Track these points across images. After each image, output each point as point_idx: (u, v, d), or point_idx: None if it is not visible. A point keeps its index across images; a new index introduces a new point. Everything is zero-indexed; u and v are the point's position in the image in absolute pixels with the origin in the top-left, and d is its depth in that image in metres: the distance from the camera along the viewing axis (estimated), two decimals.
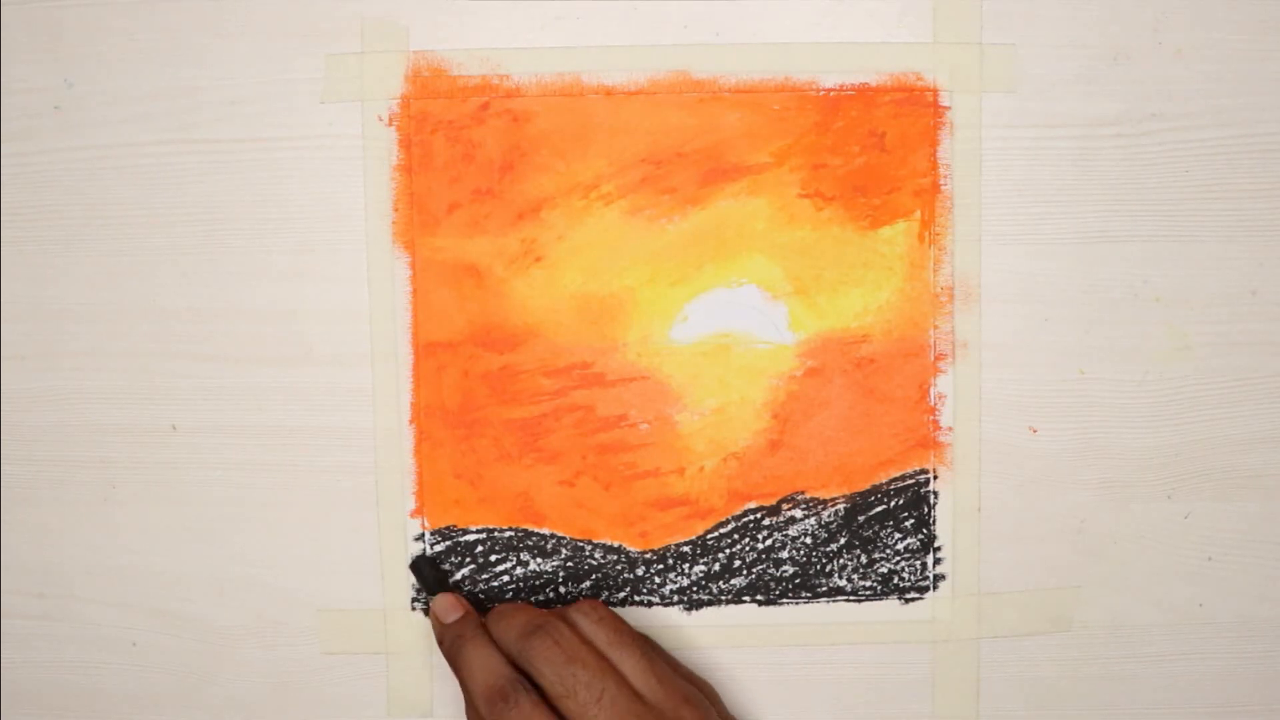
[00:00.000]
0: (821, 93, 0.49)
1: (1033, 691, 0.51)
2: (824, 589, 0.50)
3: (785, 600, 0.51)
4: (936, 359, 0.50)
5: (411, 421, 0.50)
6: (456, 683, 0.50)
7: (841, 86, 0.49)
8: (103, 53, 0.49)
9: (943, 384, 0.50)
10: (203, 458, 0.50)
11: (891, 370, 0.50)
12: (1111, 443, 0.50)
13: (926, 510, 0.50)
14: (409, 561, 0.50)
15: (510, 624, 0.46)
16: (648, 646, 0.47)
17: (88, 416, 0.50)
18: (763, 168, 0.49)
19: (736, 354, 0.50)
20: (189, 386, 0.50)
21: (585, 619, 0.46)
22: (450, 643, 0.47)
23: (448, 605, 0.48)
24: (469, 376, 0.50)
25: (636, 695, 0.45)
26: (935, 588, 0.50)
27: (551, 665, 0.45)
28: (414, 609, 0.50)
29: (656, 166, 0.49)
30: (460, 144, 0.49)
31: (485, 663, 0.46)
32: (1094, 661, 0.51)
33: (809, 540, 0.50)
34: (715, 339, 0.50)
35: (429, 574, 0.49)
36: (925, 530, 0.50)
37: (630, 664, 0.45)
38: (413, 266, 0.49)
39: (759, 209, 0.49)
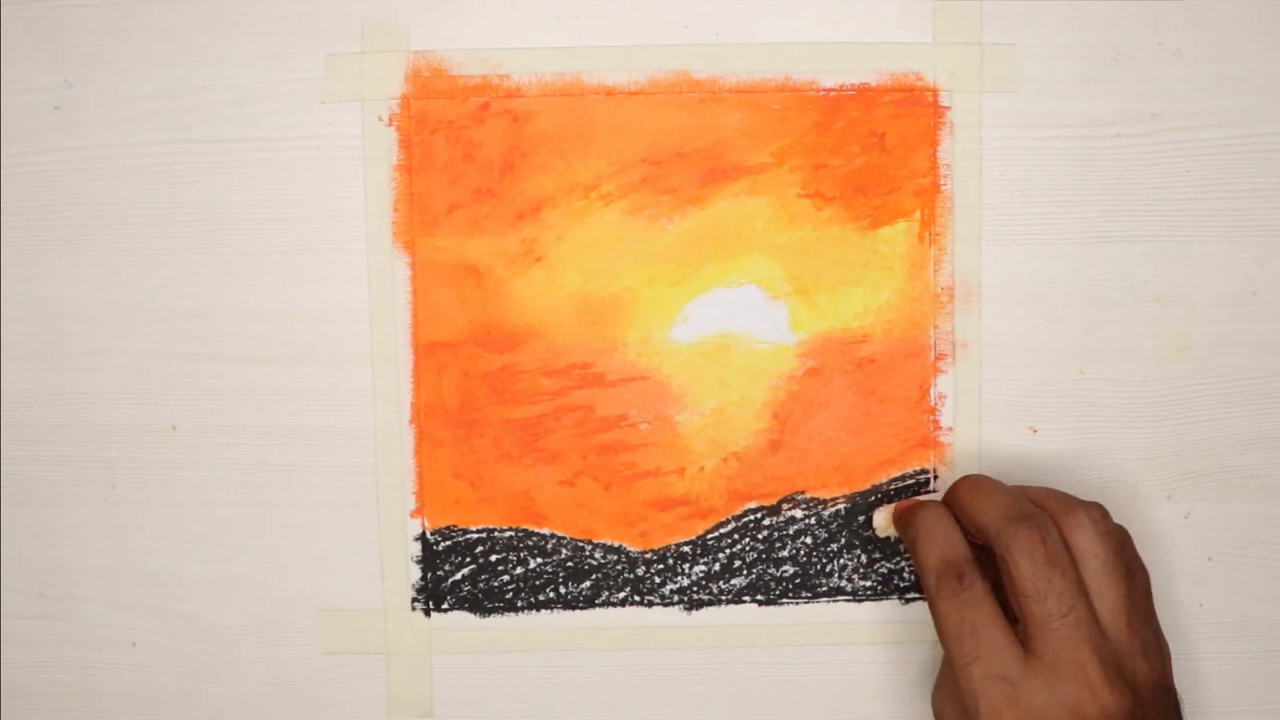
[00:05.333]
0: (822, 93, 0.49)
1: None
2: (824, 589, 0.50)
3: (785, 600, 0.51)
4: (937, 359, 0.50)
5: (411, 421, 0.50)
6: (456, 683, 0.50)
7: (842, 86, 0.49)
8: (103, 53, 0.49)
9: (943, 384, 0.50)
10: (203, 458, 0.50)
11: (892, 370, 0.50)
12: (1111, 443, 0.50)
13: None
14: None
15: (992, 500, 0.44)
16: (1135, 584, 0.43)
17: (88, 416, 0.50)
18: (763, 168, 0.49)
19: (737, 354, 0.50)
20: (189, 386, 0.50)
21: (1091, 526, 0.43)
22: (903, 505, 0.46)
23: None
24: (469, 376, 0.50)
25: (1100, 626, 0.42)
26: None
27: (1031, 560, 0.42)
28: (414, 609, 0.50)
29: (656, 166, 0.49)
30: (460, 144, 0.49)
31: (946, 534, 0.44)
32: None
33: (809, 540, 0.50)
34: (715, 339, 0.50)
35: None
36: None
37: (1110, 594, 0.42)
38: (413, 266, 0.49)
39: (759, 209, 0.49)
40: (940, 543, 0.44)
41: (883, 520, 0.49)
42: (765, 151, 0.49)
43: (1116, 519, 0.50)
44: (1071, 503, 0.44)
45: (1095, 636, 0.42)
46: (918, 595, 0.50)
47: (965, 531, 0.45)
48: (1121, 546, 0.43)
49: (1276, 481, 0.50)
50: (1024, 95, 0.49)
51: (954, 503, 0.46)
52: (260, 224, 0.49)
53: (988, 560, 0.44)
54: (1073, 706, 0.41)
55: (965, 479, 0.46)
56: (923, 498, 0.48)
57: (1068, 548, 0.43)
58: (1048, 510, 0.44)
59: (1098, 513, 0.43)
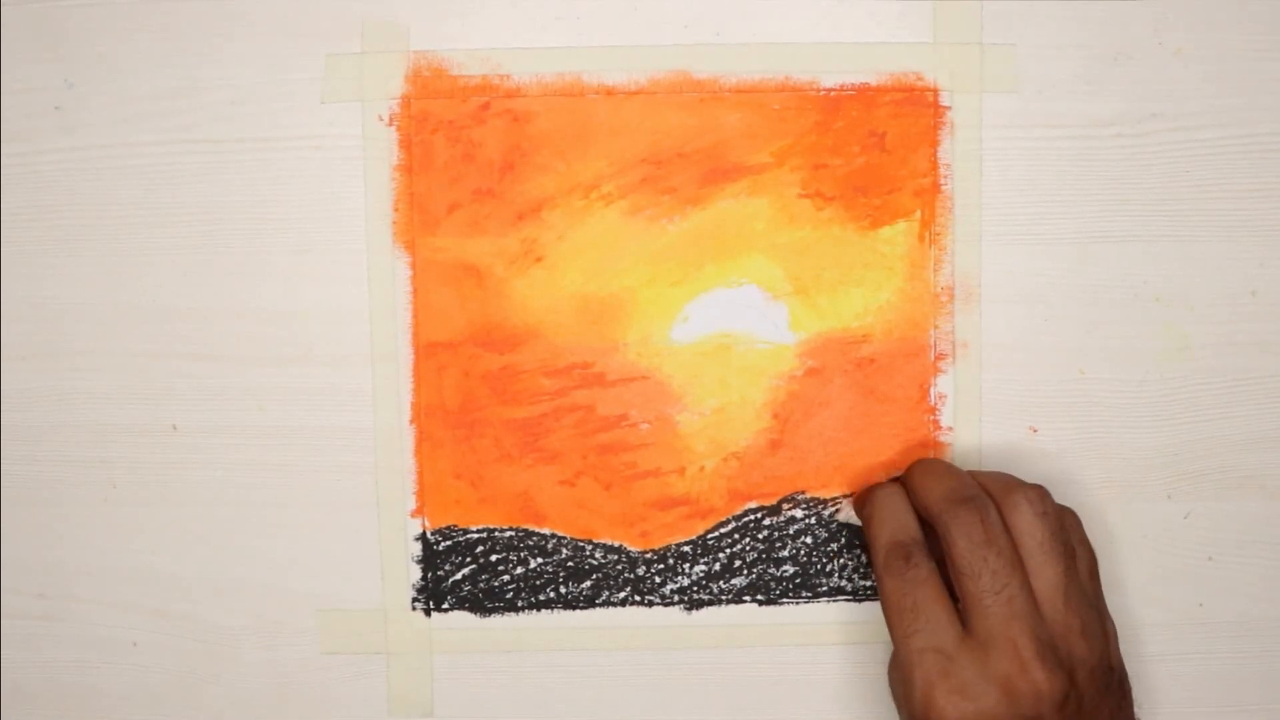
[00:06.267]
0: (822, 93, 0.49)
1: None
2: (824, 589, 0.50)
3: (785, 600, 0.51)
4: (937, 359, 0.50)
5: (411, 421, 0.50)
6: (456, 683, 0.51)
7: (842, 86, 0.49)
8: (103, 53, 0.49)
9: (943, 384, 0.50)
10: (203, 458, 0.50)
11: (892, 370, 0.50)
12: (1111, 443, 0.50)
13: None
14: None
15: (939, 483, 0.45)
16: (1073, 564, 0.44)
17: (88, 416, 0.50)
18: (763, 168, 0.49)
19: (737, 354, 0.50)
20: (189, 386, 0.50)
21: (1029, 509, 0.44)
22: (863, 489, 0.47)
23: None
24: (469, 376, 0.50)
25: (1036, 604, 0.43)
26: None
27: (968, 540, 0.43)
28: (414, 609, 0.50)
29: (657, 166, 0.49)
30: (460, 144, 0.49)
31: (898, 515, 0.45)
32: None
33: (809, 540, 0.50)
34: (715, 339, 0.50)
35: None
36: None
37: (1047, 573, 0.43)
38: (413, 266, 0.49)
39: (759, 209, 0.49)
40: (891, 523, 0.46)
41: (847, 507, 0.50)
42: (765, 151, 0.49)
43: (1117, 518, 0.50)
44: (1012, 485, 0.45)
45: (1029, 615, 0.43)
46: None
47: (917, 514, 0.46)
48: (1061, 528, 0.44)
49: (1276, 481, 0.50)
50: (1024, 95, 0.49)
51: (907, 484, 0.47)
52: (260, 224, 0.49)
53: (936, 541, 0.45)
54: (1003, 682, 0.42)
55: (918, 461, 0.48)
56: (881, 483, 0.48)
57: (1009, 528, 0.44)
58: (990, 493, 0.45)
59: (1035, 494, 0.44)
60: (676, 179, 0.49)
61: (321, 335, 0.50)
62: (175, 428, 0.50)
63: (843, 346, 0.50)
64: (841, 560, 0.50)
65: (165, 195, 0.49)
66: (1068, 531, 0.45)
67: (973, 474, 0.47)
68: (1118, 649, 0.45)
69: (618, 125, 0.49)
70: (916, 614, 0.43)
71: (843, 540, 0.50)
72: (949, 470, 0.47)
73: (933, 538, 0.45)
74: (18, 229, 0.49)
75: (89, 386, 0.50)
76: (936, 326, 0.50)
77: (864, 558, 0.50)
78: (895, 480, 0.49)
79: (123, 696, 0.51)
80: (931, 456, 0.49)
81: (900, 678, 0.44)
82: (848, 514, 0.50)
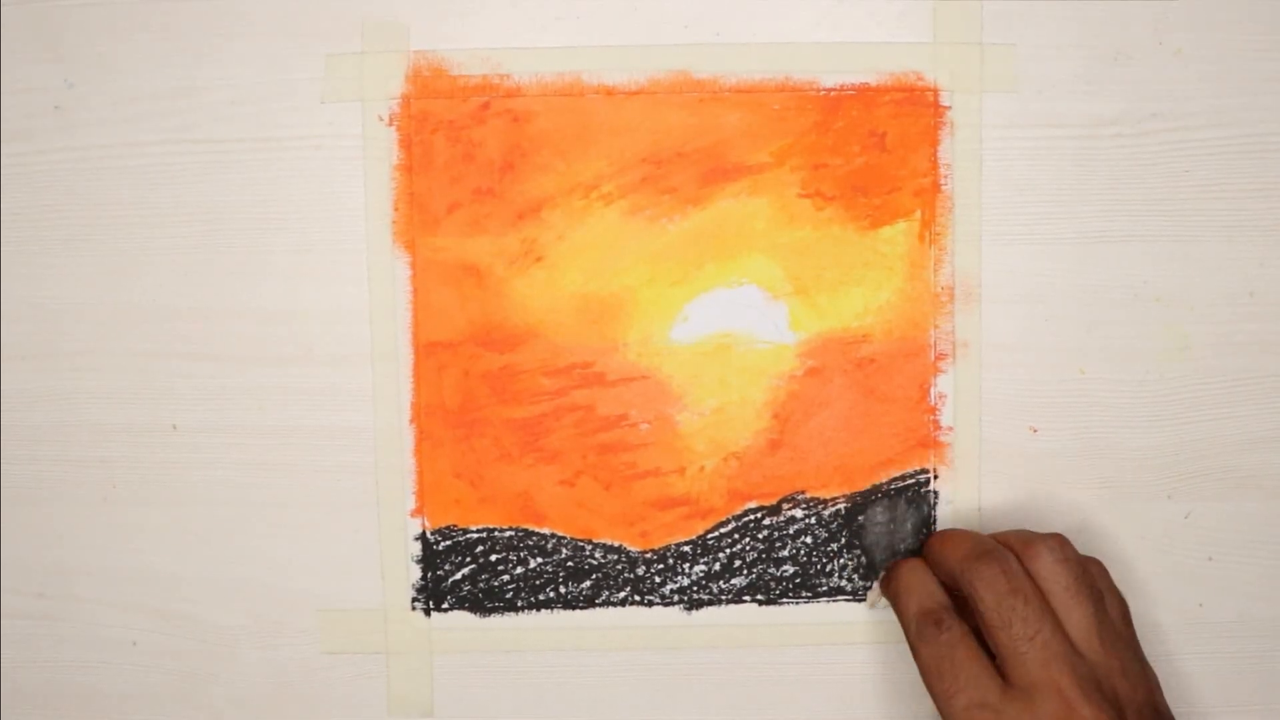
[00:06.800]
0: (822, 93, 0.49)
1: None
2: (824, 589, 0.51)
3: (785, 600, 0.51)
4: (937, 359, 0.50)
5: (411, 421, 0.50)
6: (456, 683, 0.51)
7: (842, 86, 0.49)
8: (103, 53, 0.49)
9: (943, 384, 0.50)
10: (203, 458, 0.50)
11: (892, 370, 0.50)
12: (1111, 443, 0.50)
13: (927, 510, 0.50)
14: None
15: (956, 545, 0.46)
16: (1103, 605, 0.45)
17: (88, 416, 0.50)
18: (763, 168, 0.49)
19: (737, 354, 0.50)
20: (189, 386, 0.50)
21: (1049, 555, 0.45)
22: (888, 567, 0.48)
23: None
24: (469, 376, 0.50)
25: (1072, 645, 0.43)
26: None
27: (993, 592, 0.44)
28: (414, 609, 0.50)
29: (657, 166, 0.49)
30: (460, 144, 0.49)
31: (920, 585, 0.46)
32: None
33: (809, 540, 0.50)
34: (715, 339, 0.50)
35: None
36: (925, 530, 0.50)
37: (1077, 616, 0.44)
38: (413, 266, 0.49)
39: (759, 209, 0.49)
40: (918, 593, 0.46)
41: (874, 595, 0.50)
42: (765, 151, 0.49)
43: (1117, 518, 0.50)
44: (1032, 537, 0.46)
45: (1068, 655, 0.43)
46: None
47: (943, 583, 0.47)
48: (1085, 572, 0.45)
49: (1276, 481, 0.50)
50: (1024, 95, 0.49)
51: (927, 555, 0.48)
52: (260, 224, 0.49)
53: (967, 609, 0.45)
54: None
55: (936, 533, 0.48)
56: (903, 559, 0.49)
57: (1032, 575, 0.44)
58: (1010, 546, 0.46)
59: (1055, 541, 0.45)
60: (676, 179, 0.49)
61: (321, 335, 0.50)
62: (175, 428, 0.50)
63: (843, 346, 0.50)
64: (841, 560, 0.50)
65: (165, 195, 0.49)
66: (1093, 576, 0.45)
67: (992, 535, 0.47)
68: (1163, 698, 0.45)
69: (618, 125, 0.49)
70: (956, 675, 0.44)
71: (843, 540, 0.50)
72: (965, 534, 0.47)
73: (961, 603, 0.46)
74: (18, 229, 0.50)
75: (89, 386, 0.50)
76: (936, 326, 0.50)
77: (863, 559, 0.50)
78: (915, 555, 0.49)
79: (123, 696, 0.51)
80: (948, 527, 0.49)
81: None
82: (841, 510, 0.50)
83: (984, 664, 0.44)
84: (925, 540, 0.49)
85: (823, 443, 0.50)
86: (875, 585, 0.50)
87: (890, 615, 0.50)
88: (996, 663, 0.44)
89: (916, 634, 0.45)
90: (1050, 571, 0.44)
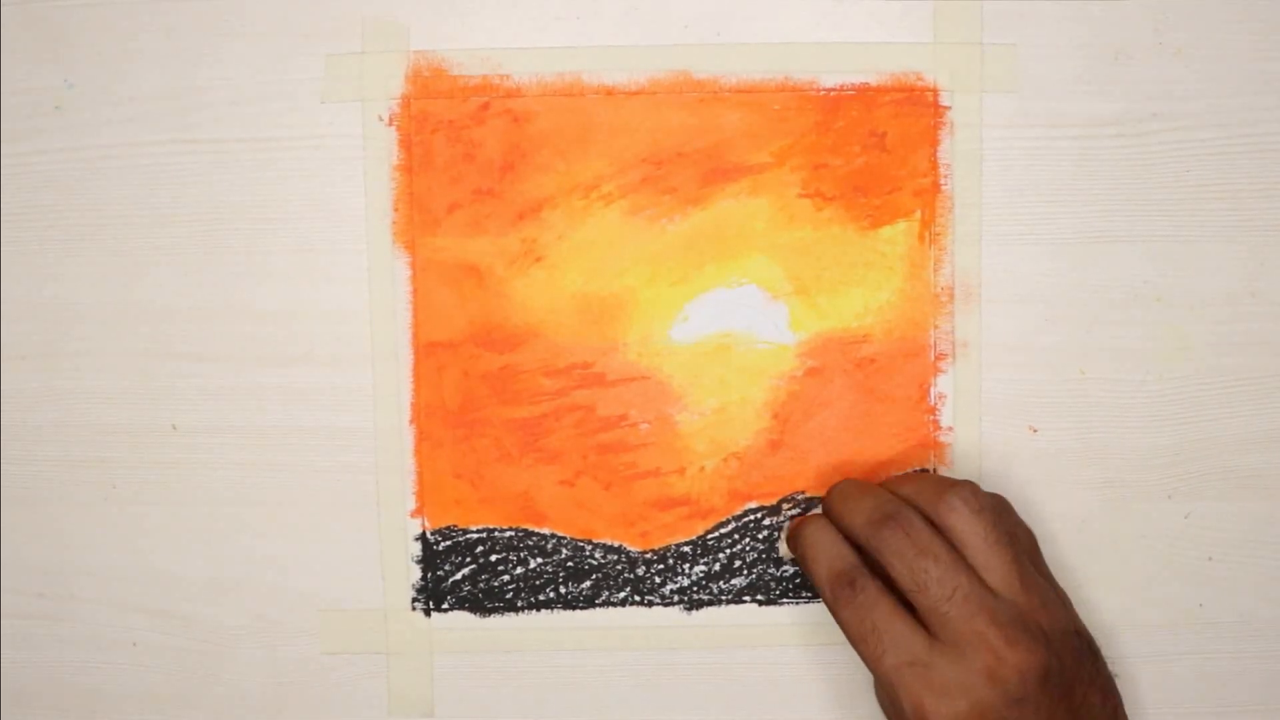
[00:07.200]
0: (822, 93, 0.49)
1: None
2: None
3: (785, 600, 0.51)
4: (937, 359, 0.50)
5: (411, 421, 0.50)
6: (456, 683, 0.51)
7: (842, 86, 0.49)
8: (103, 53, 0.49)
9: (943, 384, 0.50)
10: (203, 458, 0.50)
11: (892, 370, 0.50)
12: (1111, 443, 0.50)
13: None
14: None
15: (857, 507, 0.46)
16: (1019, 546, 0.44)
17: (88, 416, 0.50)
18: (763, 168, 0.49)
19: (737, 354, 0.50)
20: (189, 386, 0.50)
21: (964, 507, 0.44)
22: (791, 526, 0.47)
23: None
24: (469, 376, 0.50)
25: (991, 591, 0.43)
26: None
27: (901, 558, 0.44)
28: (414, 609, 0.50)
29: (657, 166, 0.49)
30: (460, 144, 0.49)
31: (827, 547, 0.45)
32: None
33: None
34: (716, 339, 0.50)
35: None
36: None
37: (997, 564, 0.44)
38: (413, 266, 0.49)
39: (759, 209, 0.49)
40: (826, 554, 0.46)
41: (783, 546, 0.50)
42: (765, 151, 0.49)
43: (1117, 518, 0.50)
44: (941, 487, 0.45)
45: (988, 604, 0.43)
46: None
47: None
48: (998, 517, 0.45)
49: (1276, 481, 0.50)
50: (1024, 95, 0.49)
51: (828, 512, 0.47)
52: (260, 224, 0.49)
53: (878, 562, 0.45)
54: (985, 671, 0.42)
55: (833, 487, 0.48)
56: (808, 514, 0.48)
57: (945, 530, 0.44)
58: (919, 500, 0.45)
59: (967, 491, 0.45)
60: (676, 179, 0.49)
61: (321, 335, 0.50)
62: (175, 428, 0.50)
63: (843, 346, 0.50)
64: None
65: (165, 195, 0.49)
66: (1004, 519, 0.45)
67: (894, 481, 0.47)
68: (1076, 615, 0.46)
69: (618, 125, 0.49)
70: (879, 635, 0.43)
71: None
72: (863, 490, 0.47)
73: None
74: (18, 229, 0.50)
75: (89, 386, 0.50)
76: (936, 326, 0.50)
77: None
78: (817, 512, 0.49)
79: (123, 696, 0.51)
80: (846, 480, 0.48)
81: (888, 699, 0.44)
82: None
83: (905, 620, 0.43)
84: (825, 495, 0.48)
85: (823, 443, 0.50)
86: (781, 540, 0.50)
87: None
88: (919, 617, 0.44)
89: (832, 598, 0.45)
90: (967, 524, 0.44)
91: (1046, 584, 0.45)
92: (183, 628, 0.51)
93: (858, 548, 0.46)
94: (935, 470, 0.50)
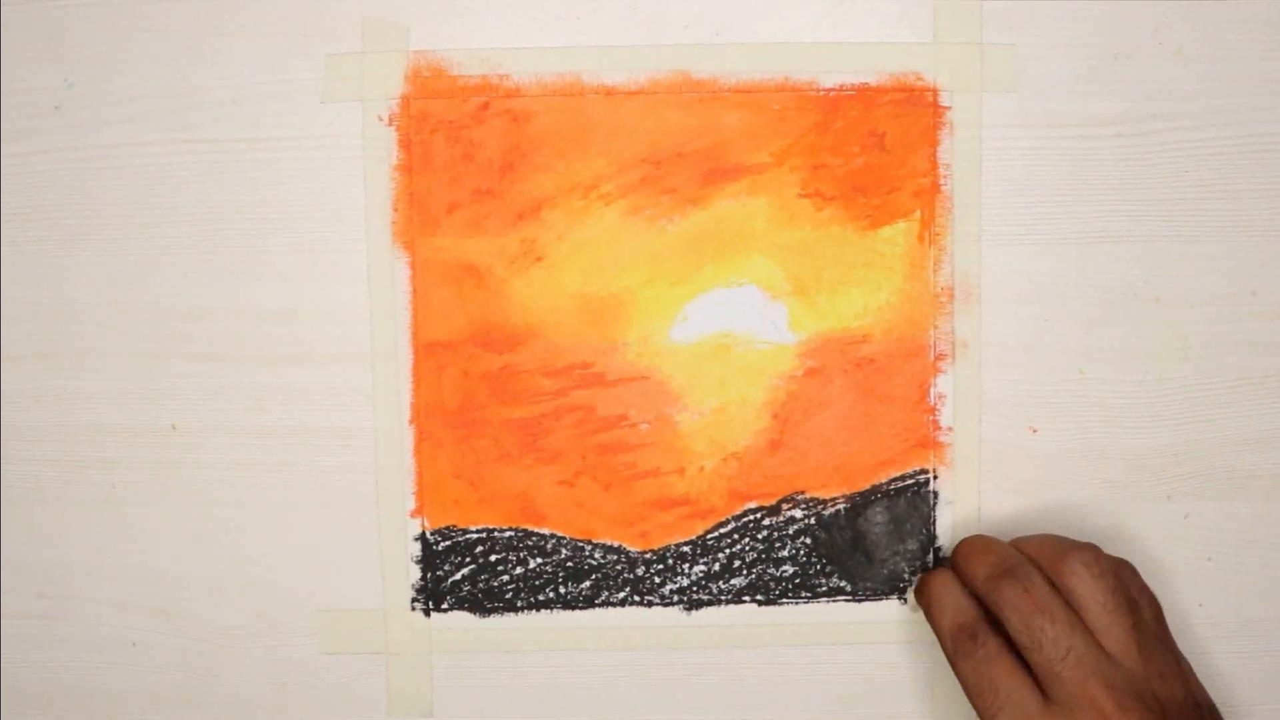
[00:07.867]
0: (821, 93, 0.49)
1: None
2: (824, 589, 0.50)
3: (785, 600, 0.51)
4: (936, 359, 0.50)
5: (411, 421, 0.50)
6: (456, 683, 0.51)
7: (841, 86, 0.49)
8: (103, 53, 0.49)
9: (943, 384, 0.50)
10: (203, 458, 0.50)
11: (891, 370, 0.50)
12: (1111, 443, 0.50)
13: (926, 510, 0.50)
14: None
15: (980, 562, 0.46)
16: (1139, 614, 0.45)
17: (88, 416, 0.50)
18: (763, 168, 0.49)
19: (736, 354, 0.50)
20: (189, 386, 0.50)
21: (1084, 572, 0.44)
22: (918, 580, 0.48)
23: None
24: (469, 376, 0.50)
25: (1107, 656, 0.43)
26: None
27: (1018, 614, 0.44)
28: (414, 609, 0.50)
29: (656, 166, 0.49)
30: (460, 144, 0.49)
31: (951, 599, 0.46)
32: None
33: (809, 540, 0.50)
34: (715, 339, 0.50)
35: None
36: (925, 530, 0.50)
37: (1116, 631, 0.44)
38: (413, 266, 0.49)
39: (759, 209, 0.49)
40: (950, 608, 0.46)
41: (911, 597, 0.50)
42: (765, 151, 0.49)
43: (1117, 518, 0.50)
44: (1064, 548, 0.45)
45: (1103, 670, 0.43)
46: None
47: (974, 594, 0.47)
48: (1119, 583, 0.45)
49: (1276, 481, 0.50)
50: (1024, 95, 0.49)
51: (954, 566, 0.48)
52: (260, 224, 0.49)
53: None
54: None
55: (961, 542, 0.48)
56: (936, 568, 0.49)
57: (1066, 592, 0.44)
58: (1042, 560, 0.45)
59: (1089, 555, 0.45)
60: (676, 179, 0.49)
61: (321, 335, 0.50)
62: (175, 428, 0.50)
63: (842, 346, 0.50)
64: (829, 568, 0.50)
65: (165, 195, 0.49)
66: (1127, 585, 0.45)
67: (1020, 542, 0.47)
68: (1199, 685, 0.45)
69: (617, 125, 0.49)
70: (996, 692, 0.44)
71: (844, 540, 0.50)
72: (988, 545, 0.47)
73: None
74: (18, 229, 0.50)
75: (89, 386, 0.50)
76: (936, 326, 0.50)
77: (863, 559, 0.50)
78: (943, 565, 0.49)
79: (123, 696, 0.51)
80: (973, 535, 0.48)
81: None
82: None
83: (1022, 678, 0.44)
84: (953, 549, 0.48)
85: (822, 443, 0.50)
86: (909, 591, 0.50)
87: (889, 616, 0.50)
88: (1034, 676, 0.44)
89: (953, 651, 0.45)
90: (1086, 589, 0.44)
91: (1167, 653, 0.44)
92: (183, 628, 0.51)
93: (982, 603, 0.46)
94: (935, 472, 0.50)
